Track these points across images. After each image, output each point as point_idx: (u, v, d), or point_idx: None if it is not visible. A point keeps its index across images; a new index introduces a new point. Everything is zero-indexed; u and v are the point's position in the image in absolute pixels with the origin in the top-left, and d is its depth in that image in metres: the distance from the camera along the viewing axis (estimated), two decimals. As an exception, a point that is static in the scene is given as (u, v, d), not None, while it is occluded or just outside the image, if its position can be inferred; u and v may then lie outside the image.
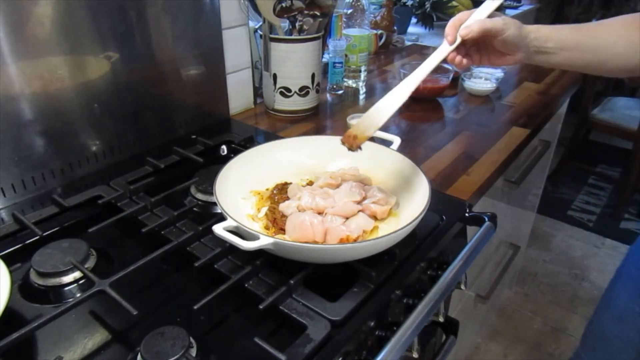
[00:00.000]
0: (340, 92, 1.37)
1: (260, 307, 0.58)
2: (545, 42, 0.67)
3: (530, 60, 0.70)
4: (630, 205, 2.54)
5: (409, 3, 1.93)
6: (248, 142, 1.01)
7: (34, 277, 0.66)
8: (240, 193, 0.78)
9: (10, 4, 0.73)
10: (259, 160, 0.82)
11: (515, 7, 2.60)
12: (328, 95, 1.36)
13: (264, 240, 0.58)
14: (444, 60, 0.69)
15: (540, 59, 0.69)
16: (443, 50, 0.67)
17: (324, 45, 1.26)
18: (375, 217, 0.73)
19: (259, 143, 0.94)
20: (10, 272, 0.59)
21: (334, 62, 1.33)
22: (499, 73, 1.39)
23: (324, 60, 1.31)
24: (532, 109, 1.26)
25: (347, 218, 0.71)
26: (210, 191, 0.78)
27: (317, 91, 1.20)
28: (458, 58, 0.66)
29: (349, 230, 0.67)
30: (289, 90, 1.16)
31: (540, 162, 1.35)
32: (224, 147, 1.02)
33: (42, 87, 0.80)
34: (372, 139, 0.87)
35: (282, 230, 0.71)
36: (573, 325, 1.89)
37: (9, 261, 0.62)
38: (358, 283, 0.63)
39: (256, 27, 1.18)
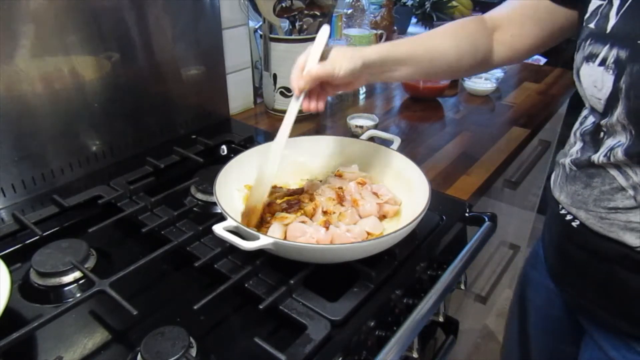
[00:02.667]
0: (340, 92, 1.37)
1: (260, 307, 0.58)
2: (385, 63, 0.67)
3: (375, 80, 0.71)
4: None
5: (409, 3, 1.93)
6: (248, 142, 1.01)
7: (34, 277, 0.66)
8: (240, 193, 0.78)
9: (10, 4, 0.73)
10: (259, 160, 0.82)
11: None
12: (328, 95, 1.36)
13: (264, 240, 0.58)
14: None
15: (384, 77, 0.70)
16: (294, 105, 0.67)
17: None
18: (384, 217, 0.73)
19: (259, 143, 0.94)
20: (10, 272, 0.59)
21: (334, 62, 1.33)
22: (499, 73, 1.39)
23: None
24: (532, 109, 1.26)
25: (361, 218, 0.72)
26: (210, 191, 0.78)
27: (317, 91, 1.20)
28: (312, 105, 0.66)
29: (353, 237, 0.67)
30: (289, 90, 1.15)
31: (540, 162, 1.35)
32: (224, 147, 1.02)
33: (42, 87, 0.80)
34: (372, 139, 0.88)
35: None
36: (573, 325, 1.88)
37: (9, 261, 0.62)
38: (358, 283, 0.63)
39: (256, 27, 1.18)
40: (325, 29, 0.67)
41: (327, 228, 0.67)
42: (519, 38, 0.73)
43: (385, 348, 0.58)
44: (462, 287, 0.84)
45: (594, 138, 0.60)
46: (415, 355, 0.74)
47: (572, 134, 0.67)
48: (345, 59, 0.62)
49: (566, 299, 0.76)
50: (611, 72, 0.52)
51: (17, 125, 0.79)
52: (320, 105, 0.66)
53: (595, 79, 0.55)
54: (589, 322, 0.72)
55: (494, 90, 1.36)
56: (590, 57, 0.55)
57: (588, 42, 0.56)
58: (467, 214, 0.83)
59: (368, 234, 0.69)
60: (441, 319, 0.81)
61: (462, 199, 0.85)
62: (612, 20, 0.54)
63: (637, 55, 0.50)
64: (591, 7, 0.58)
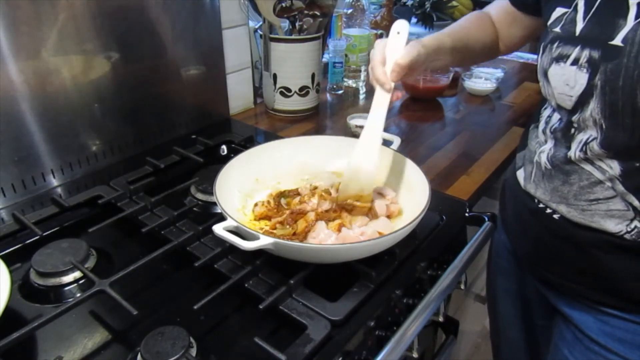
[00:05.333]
0: (340, 92, 1.37)
1: (260, 307, 0.58)
2: (438, 51, 0.72)
3: (426, 67, 0.76)
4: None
5: (409, 3, 1.93)
6: (248, 142, 1.01)
7: (34, 277, 0.66)
8: (240, 193, 0.78)
9: (10, 4, 0.73)
10: (259, 160, 0.82)
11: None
12: (328, 95, 1.36)
13: (264, 240, 0.58)
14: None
15: (431, 65, 0.75)
16: (385, 97, 0.70)
17: (324, 45, 1.26)
18: (389, 217, 0.73)
19: (259, 143, 0.94)
20: (10, 272, 0.59)
21: (334, 62, 1.33)
22: (499, 73, 1.39)
23: (324, 60, 1.31)
24: (532, 109, 1.25)
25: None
26: (210, 191, 0.78)
27: (317, 91, 1.20)
28: (397, 95, 0.71)
29: (365, 239, 0.67)
30: (289, 90, 1.16)
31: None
32: (224, 147, 1.02)
33: (42, 87, 0.80)
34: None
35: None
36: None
37: (9, 261, 0.62)
38: (358, 283, 0.63)
39: (256, 27, 1.18)
40: (404, 23, 0.70)
41: (340, 231, 0.67)
42: (509, 37, 0.83)
43: (385, 348, 0.58)
44: (462, 287, 0.84)
45: (565, 135, 0.63)
46: (415, 355, 0.74)
47: (539, 133, 0.69)
48: (414, 48, 0.67)
49: (538, 278, 0.79)
50: (585, 70, 0.56)
51: (17, 125, 0.79)
52: (399, 93, 0.71)
53: (567, 78, 0.59)
54: (559, 297, 0.75)
55: (494, 90, 1.36)
56: (561, 58, 0.59)
57: (556, 44, 0.60)
58: (467, 214, 0.83)
59: (380, 234, 0.68)
60: (441, 319, 0.81)
61: (462, 199, 0.85)
62: (580, 24, 0.58)
63: (609, 55, 0.54)
64: (555, 14, 0.62)
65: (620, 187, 0.59)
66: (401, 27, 0.69)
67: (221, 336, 0.59)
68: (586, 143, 0.59)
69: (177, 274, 0.69)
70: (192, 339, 0.54)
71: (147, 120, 0.99)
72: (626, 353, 0.66)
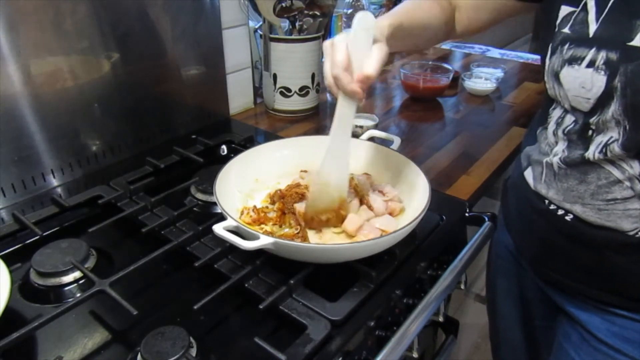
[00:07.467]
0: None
1: (260, 307, 0.58)
2: (394, 34, 0.65)
3: None
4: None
5: (409, 3, 1.93)
6: (248, 142, 1.01)
7: (34, 277, 0.66)
8: (241, 193, 0.78)
9: (10, 4, 0.73)
10: (259, 160, 0.82)
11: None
12: (328, 95, 1.36)
13: (264, 240, 0.58)
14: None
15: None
16: (352, 109, 0.64)
17: (324, 45, 1.26)
18: (390, 215, 0.73)
19: (259, 143, 0.94)
20: (10, 272, 0.59)
21: (334, 62, 1.32)
22: (499, 73, 1.39)
23: (323, 60, 1.31)
24: (532, 109, 1.26)
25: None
26: (210, 191, 0.78)
27: (317, 91, 1.20)
28: (363, 101, 0.65)
29: (364, 235, 0.67)
30: (289, 90, 1.16)
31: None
32: (224, 147, 1.02)
33: (42, 87, 0.80)
34: (372, 139, 0.88)
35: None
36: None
37: (9, 261, 0.62)
38: (358, 283, 0.63)
39: (256, 27, 1.18)
40: (370, 17, 0.58)
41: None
42: (474, 21, 0.80)
43: (385, 348, 0.58)
44: (462, 287, 0.84)
45: (581, 136, 0.61)
46: (415, 355, 0.74)
47: (549, 134, 0.68)
48: (382, 51, 0.59)
49: (543, 278, 0.78)
50: (602, 72, 0.55)
51: (17, 125, 0.79)
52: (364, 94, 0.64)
53: (583, 80, 0.57)
54: (565, 297, 0.74)
55: (494, 90, 1.36)
56: (574, 60, 0.58)
57: (567, 46, 0.59)
58: (467, 214, 0.83)
59: (382, 231, 0.68)
60: (441, 319, 0.81)
61: (462, 199, 0.85)
62: (593, 25, 0.56)
63: (628, 56, 0.52)
64: (562, 13, 0.60)
65: (639, 187, 0.58)
66: (367, 22, 0.58)
67: (221, 336, 0.59)
68: (606, 145, 0.58)
69: (177, 274, 0.69)
70: (192, 339, 0.54)
71: (147, 120, 0.99)
72: (635, 353, 0.66)
